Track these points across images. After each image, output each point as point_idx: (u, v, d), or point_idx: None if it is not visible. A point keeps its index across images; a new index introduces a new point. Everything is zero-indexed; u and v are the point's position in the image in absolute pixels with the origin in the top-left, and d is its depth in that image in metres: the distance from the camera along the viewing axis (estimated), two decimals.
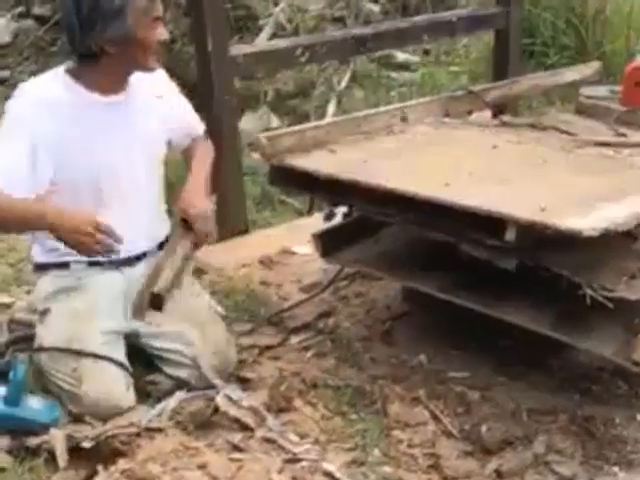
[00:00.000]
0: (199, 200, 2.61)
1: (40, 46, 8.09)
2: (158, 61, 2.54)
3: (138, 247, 2.65)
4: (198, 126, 2.88)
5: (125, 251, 2.59)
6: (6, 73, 7.74)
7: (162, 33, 2.48)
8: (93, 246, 2.36)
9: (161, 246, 2.71)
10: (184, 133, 2.82)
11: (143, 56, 2.47)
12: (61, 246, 2.53)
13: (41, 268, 2.64)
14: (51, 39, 8.10)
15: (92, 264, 2.58)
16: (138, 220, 2.62)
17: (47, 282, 2.61)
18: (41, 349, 2.53)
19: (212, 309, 2.78)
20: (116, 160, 2.54)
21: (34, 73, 7.73)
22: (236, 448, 2.24)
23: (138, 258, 2.66)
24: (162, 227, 2.77)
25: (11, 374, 2.37)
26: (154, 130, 2.67)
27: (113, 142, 2.52)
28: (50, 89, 2.48)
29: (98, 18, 2.37)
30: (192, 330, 2.60)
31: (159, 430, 2.32)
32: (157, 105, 2.67)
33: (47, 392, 2.51)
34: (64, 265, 2.58)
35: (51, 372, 2.49)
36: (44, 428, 2.34)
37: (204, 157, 2.82)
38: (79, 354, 2.46)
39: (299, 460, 2.21)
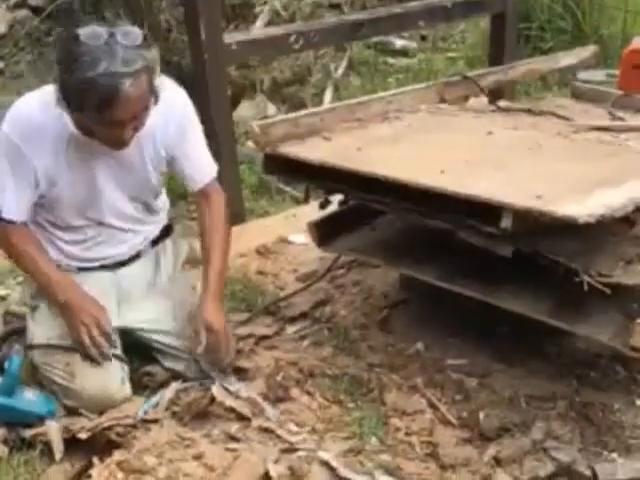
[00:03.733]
0: (215, 315, 2.50)
1: (36, 37, 8.06)
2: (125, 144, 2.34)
3: (132, 250, 2.65)
4: (206, 173, 2.63)
5: (118, 256, 2.60)
6: (1, 64, 7.72)
7: (119, 136, 2.27)
8: (85, 339, 2.40)
9: (155, 242, 2.70)
10: (189, 177, 2.61)
11: (100, 141, 2.33)
12: (50, 250, 2.53)
13: None
14: (47, 29, 8.07)
15: (82, 270, 2.58)
16: (130, 235, 2.62)
17: None
18: (33, 346, 2.50)
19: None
20: (104, 196, 2.47)
21: (30, 63, 7.77)
22: (232, 438, 2.24)
23: (131, 259, 2.66)
24: (158, 226, 2.73)
25: (6, 364, 2.37)
26: (150, 174, 2.54)
27: (101, 180, 2.45)
28: (43, 118, 2.33)
29: (63, 87, 2.19)
30: (188, 325, 2.57)
31: (155, 421, 2.32)
32: (158, 154, 2.51)
33: (42, 386, 2.50)
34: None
35: (44, 368, 2.47)
36: (39, 420, 2.33)
37: (220, 241, 2.58)
38: (71, 349, 2.44)
39: (296, 450, 2.21)
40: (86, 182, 2.44)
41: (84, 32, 2.12)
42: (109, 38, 2.12)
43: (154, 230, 2.73)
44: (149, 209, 2.66)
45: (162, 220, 2.76)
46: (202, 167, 2.62)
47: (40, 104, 2.34)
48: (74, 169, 2.40)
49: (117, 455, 2.13)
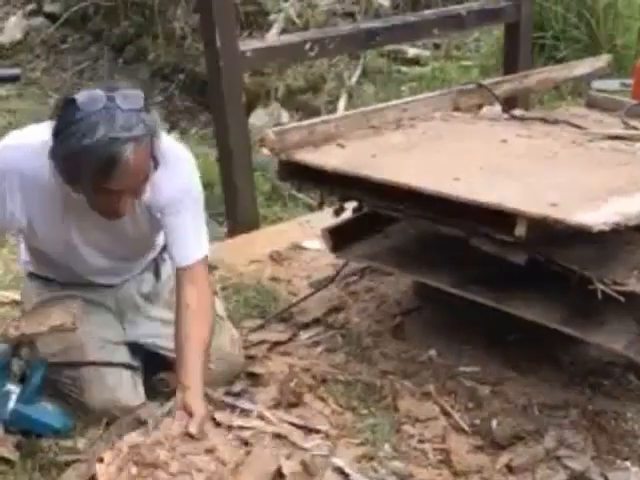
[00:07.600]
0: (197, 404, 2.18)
1: (51, 43, 8.12)
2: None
3: (128, 276, 2.60)
4: (190, 255, 2.33)
5: (115, 280, 2.57)
6: (17, 70, 7.76)
7: (117, 207, 2.10)
8: None
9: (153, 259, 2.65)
10: (173, 251, 2.36)
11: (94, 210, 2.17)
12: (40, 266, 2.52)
13: (30, 276, 2.61)
14: (62, 36, 8.13)
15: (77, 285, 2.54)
16: (123, 267, 2.56)
17: (35, 289, 2.57)
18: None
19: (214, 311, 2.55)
20: (94, 250, 2.38)
21: (45, 70, 7.82)
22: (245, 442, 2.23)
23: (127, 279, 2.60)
24: (156, 249, 2.61)
25: (28, 372, 2.35)
26: (146, 233, 2.42)
27: (87, 236, 2.33)
28: (36, 166, 2.12)
29: (58, 156, 2.02)
30: None
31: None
32: (153, 216, 2.33)
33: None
34: (48, 279, 2.55)
35: (54, 384, 2.45)
36: (54, 433, 2.31)
37: (198, 341, 2.27)
38: (76, 364, 2.43)
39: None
40: (65, 235, 2.31)
41: (81, 97, 1.96)
42: (108, 102, 1.95)
43: (152, 254, 2.64)
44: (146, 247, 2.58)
45: (160, 242, 2.58)
46: (188, 246, 2.34)
47: (36, 150, 2.10)
48: (63, 225, 2.29)
49: (130, 438, 2.08)
